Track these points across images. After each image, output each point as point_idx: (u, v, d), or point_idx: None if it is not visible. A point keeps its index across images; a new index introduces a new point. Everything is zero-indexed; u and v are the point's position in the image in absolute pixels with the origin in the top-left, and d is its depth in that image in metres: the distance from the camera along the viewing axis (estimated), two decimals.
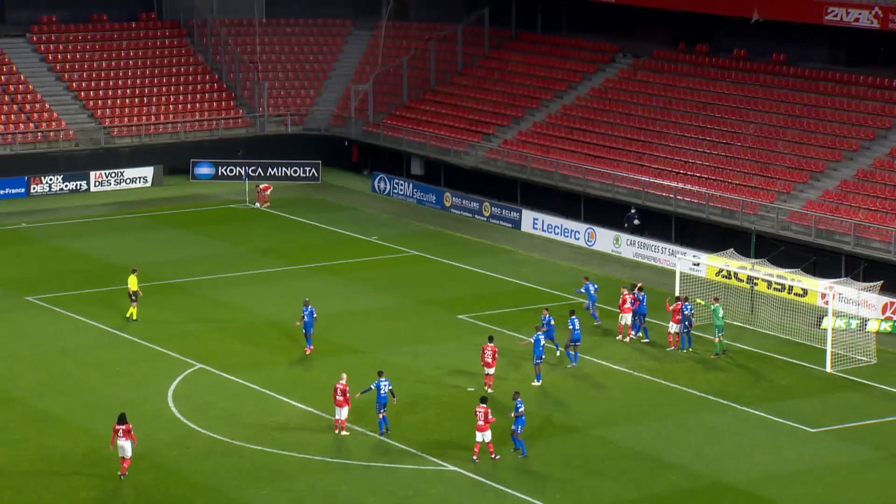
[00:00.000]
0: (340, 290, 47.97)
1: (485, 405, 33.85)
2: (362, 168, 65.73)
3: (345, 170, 65.71)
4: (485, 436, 33.64)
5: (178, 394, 37.85)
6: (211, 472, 33.03)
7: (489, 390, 37.64)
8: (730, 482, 33.09)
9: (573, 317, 40.67)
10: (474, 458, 33.66)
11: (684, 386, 39.56)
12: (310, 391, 37.46)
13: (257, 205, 58.96)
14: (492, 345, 38.00)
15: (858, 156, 53.62)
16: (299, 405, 37.06)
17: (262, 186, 59.67)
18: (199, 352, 41.05)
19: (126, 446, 32.68)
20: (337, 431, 35.10)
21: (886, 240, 48.64)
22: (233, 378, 39.14)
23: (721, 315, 42.01)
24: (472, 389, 38.54)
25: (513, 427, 34.11)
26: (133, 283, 43.51)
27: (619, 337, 42.83)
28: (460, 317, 44.81)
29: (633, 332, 42.85)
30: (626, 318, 42.92)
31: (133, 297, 43.54)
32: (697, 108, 58.75)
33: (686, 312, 42.00)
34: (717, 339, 41.90)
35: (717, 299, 43.05)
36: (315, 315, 40.90)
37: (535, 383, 38.65)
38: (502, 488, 32.40)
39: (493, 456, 33.78)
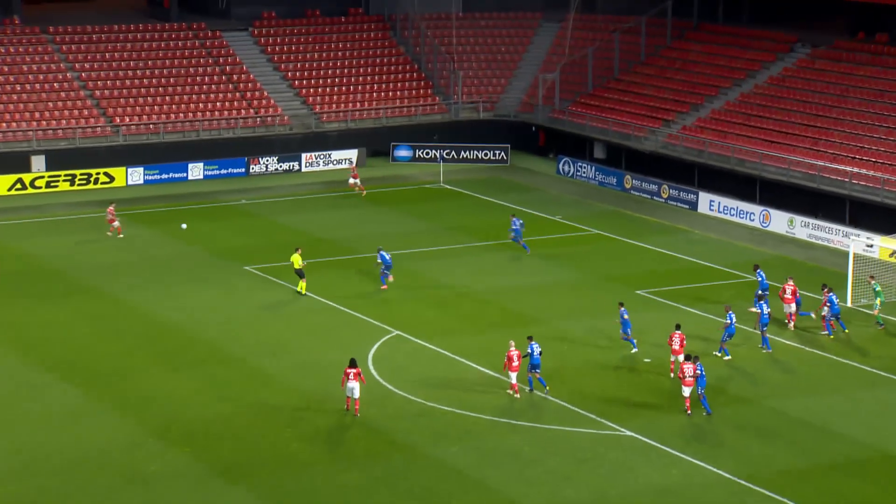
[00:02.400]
0: (526, 266, 48.08)
1: (692, 361, 34.28)
2: (548, 152, 65.59)
3: (532, 153, 65.71)
4: (687, 391, 34.12)
5: (377, 357, 38.58)
6: (406, 431, 33.63)
7: (673, 376, 37.27)
8: (892, 453, 31.98)
9: (760, 301, 39.72)
10: (687, 412, 34.10)
11: (856, 362, 38.48)
12: (496, 357, 37.75)
13: (356, 187, 56.24)
14: (679, 332, 37.39)
15: None
16: (486, 371, 37.39)
17: (353, 175, 56.85)
18: (397, 319, 41.73)
19: (355, 387, 33.86)
20: (511, 392, 35.36)
21: None
22: (426, 344, 39.68)
23: (878, 289, 40.63)
24: (649, 360, 38.33)
25: (699, 391, 34.35)
26: (297, 261, 43.46)
27: (788, 324, 41.12)
28: (638, 292, 44.44)
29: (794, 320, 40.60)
30: (791, 308, 40.93)
31: (300, 274, 43.52)
32: (875, 96, 56.63)
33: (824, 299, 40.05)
34: (875, 312, 40.60)
35: (872, 277, 41.65)
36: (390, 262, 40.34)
37: (765, 349, 38.32)
38: (676, 453, 32.13)
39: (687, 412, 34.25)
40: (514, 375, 35.38)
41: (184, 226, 51.03)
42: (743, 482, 30.85)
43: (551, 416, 34.41)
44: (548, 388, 35.79)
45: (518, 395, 35.30)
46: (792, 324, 40.48)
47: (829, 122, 56.65)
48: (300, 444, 32.95)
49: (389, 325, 41.24)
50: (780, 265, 48.93)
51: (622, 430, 33.45)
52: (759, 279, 43.12)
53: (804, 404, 35.34)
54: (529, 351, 35.83)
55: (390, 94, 67.09)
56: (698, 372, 34.39)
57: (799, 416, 34.46)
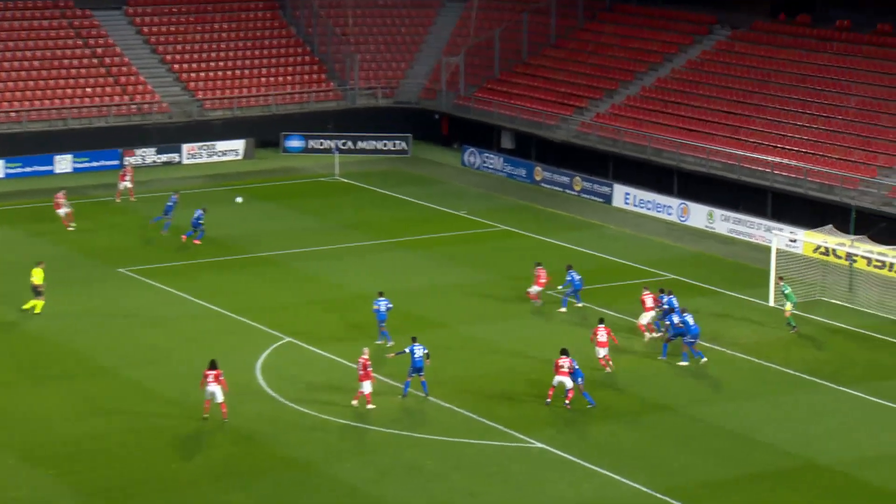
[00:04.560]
0: (428, 265, 47.96)
1: (567, 356, 35.06)
2: (452, 141, 65.62)
3: (435, 143, 65.71)
4: (565, 381, 34.88)
5: (266, 366, 38.14)
6: (297, 446, 33.25)
7: (610, 370, 37.62)
8: (825, 463, 32.55)
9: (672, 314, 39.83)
10: (547, 399, 34.92)
11: (779, 365, 38.99)
12: (396, 366, 37.50)
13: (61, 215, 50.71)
14: (604, 325, 37.64)
15: None
16: (385, 380, 37.13)
17: (124, 179, 54.02)
18: (288, 325, 41.31)
19: (216, 391, 33.61)
20: (355, 403, 35.15)
21: None
22: (320, 352, 39.34)
23: (788, 291, 41.39)
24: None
25: (579, 383, 35.21)
26: (38, 276, 41.52)
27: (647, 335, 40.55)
28: (550, 293, 44.54)
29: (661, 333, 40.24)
30: (647, 318, 40.53)
31: (37, 292, 41.34)
32: (797, 81, 57.60)
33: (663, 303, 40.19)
34: (787, 314, 41.37)
35: (781, 279, 42.43)
36: (390, 307, 39.99)
37: (682, 363, 38.59)
38: (589, 465, 32.20)
39: (566, 404, 34.99)
40: (366, 384, 35.10)
41: (239, 199, 50.56)
42: (661, 496, 30.99)
43: (455, 427, 34.29)
44: (428, 395, 35.66)
45: (356, 403, 35.13)
46: (648, 335, 40.13)
47: (750, 108, 57.47)
48: (181, 462, 32.41)
49: (279, 332, 40.80)
50: (699, 262, 49.49)
51: (532, 441, 33.46)
52: (570, 279, 42.84)
53: (725, 410, 35.67)
54: (408, 352, 35.75)
55: (280, 79, 66.50)
56: (574, 366, 34.94)
57: (720, 424, 34.79)
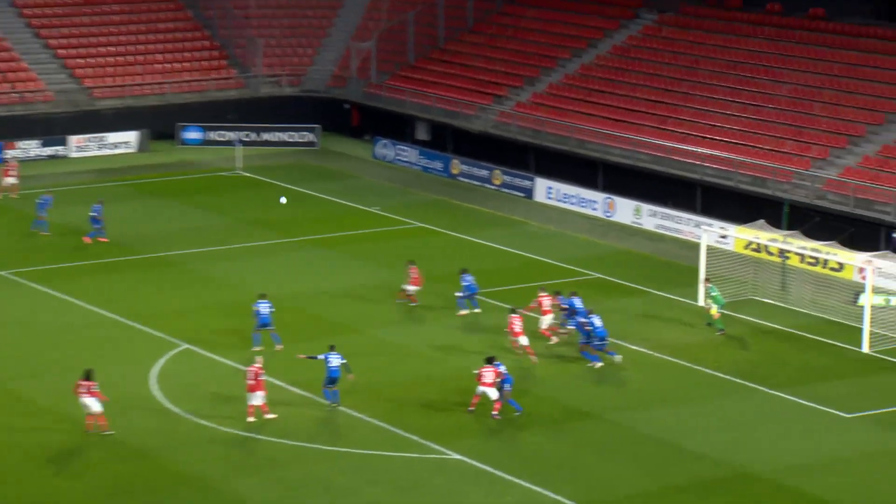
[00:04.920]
0: (337, 265, 47.91)
1: (491, 365, 35.11)
2: (363, 133, 65.59)
3: (344, 135, 65.61)
4: (489, 392, 34.82)
5: (163, 375, 37.87)
6: (196, 461, 33.04)
7: (535, 360, 38.38)
8: (756, 472, 33.04)
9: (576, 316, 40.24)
10: (471, 408, 35.00)
11: (709, 368, 39.50)
12: (303, 373, 37.45)
13: None
14: (518, 315, 38.21)
15: None
16: (292, 388, 37.06)
17: (8, 175, 53.97)
18: (185, 331, 41.06)
19: (90, 403, 33.47)
20: (251, 419, 35.02)
21: None
22: (220, 359, 39.15)
23: (715, 294, 42.00)
24: (478, 372, 38.61)
25: (507, 389, 35.30)
26: None
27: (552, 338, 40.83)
28: (458, 294, 44.70)
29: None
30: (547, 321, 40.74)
31: None
32: (727, 68, 58.41)
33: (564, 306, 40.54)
34: (715, 315, 41.92)
35: (708, 280, 43.07)
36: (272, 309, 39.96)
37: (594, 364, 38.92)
38: (509, 477, 32.38)
39: (493, 414, 34.91)
40: (256, 396, 34.90)
41: (283, 199, 50.32)
42: None
43: (367, 439, 34.30)
44: (339, 405, 35.72)
45: (252, 419, 34.97)
46: (554, 339, 40.47)
47: (678, 97, 58.16)
48: (67, 480, 32.05)
49: (176, 338, 40.54)
50: (626, 260, 49.99)
51: (449, 452, 33.56)
52: (465, 284, 42.84)
53: (652, 417, 36.04)
54: (322, 359, 35.70)
55: (177, 65, 66.01)
56: (503, 373, 35.11)
57: (646, 431, 35.16)
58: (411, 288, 43.47)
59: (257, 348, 39.01)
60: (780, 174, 52.25)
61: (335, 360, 35.71)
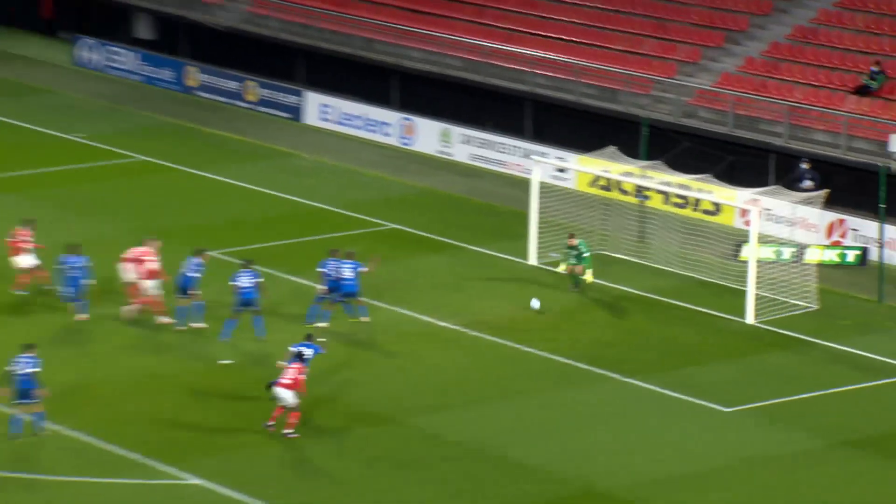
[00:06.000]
0: (28, 215, 46.77)
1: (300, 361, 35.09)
2: (58, 28, 64.80)
3: (32, 31, 65.00)
4: (285, 396, 34.64)
5: None
6: None
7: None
8: (605, 489, 33.37)
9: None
10: (270, 422, 34.79)
11: (543, 350, 39.83)
12: None
13: None
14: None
15: (794, 6, 54.32)
16: None
17: None
18: None
19: None
20: None
21: (834, 129, 49.57)
22: None
23: (587, 255, 42.67)
24: (231, 362, 38.46)
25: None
26: None
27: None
28: (212, 253, 44.21)
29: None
30: (24, 261, 40.82)
31: None
32: None
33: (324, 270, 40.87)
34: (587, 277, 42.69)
35: (573, 235, 43.44)
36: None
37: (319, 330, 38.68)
38: None
39: (286, 432, 34.68)
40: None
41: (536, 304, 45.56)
42: None
43: (74, 462, 33.81)
44: (41, 430, 35.10)
45: None
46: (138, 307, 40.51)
47: None
48: None
49: None
50: (429, 203, 50.23)
51: (184, 476, 33.34)
52: (191, 266, 41.51)
53: (468, 419, 36.17)
54: (11, 368, 34.85)
55: None
56: (307, 368, 35.06)
57: (460, 439, 35.26)
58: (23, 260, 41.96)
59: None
60: (635, 84, 52.84)
61: (24, 367, 34.59)
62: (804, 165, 48.42)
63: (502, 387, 38.01)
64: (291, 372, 34.98)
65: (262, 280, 39.96)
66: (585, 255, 42.82)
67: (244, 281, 39.83)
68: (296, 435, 34.68)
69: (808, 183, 47.77)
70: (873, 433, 36.00)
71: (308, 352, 35.70)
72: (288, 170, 52.65)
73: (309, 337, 36.28)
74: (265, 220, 48.03)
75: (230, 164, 52.64)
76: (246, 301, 39.80)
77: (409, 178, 52.33)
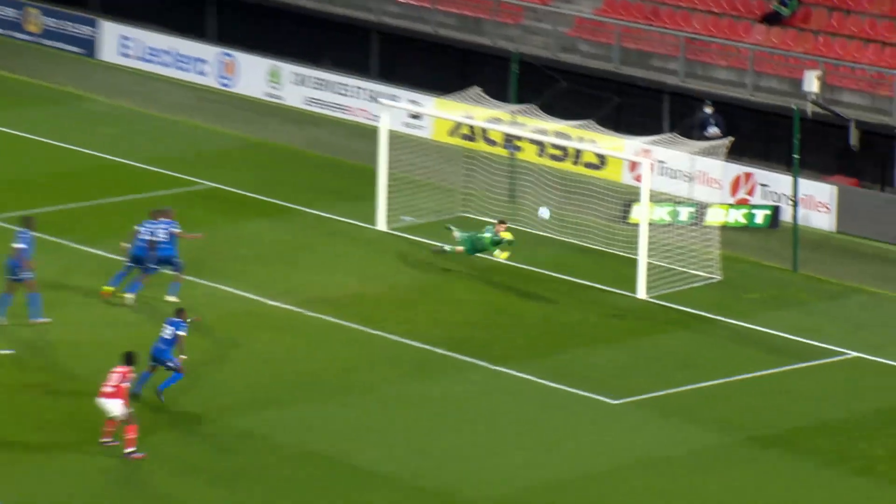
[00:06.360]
0: None
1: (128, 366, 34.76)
2: None
3: None
4: (110, 406, 34.41)
5: None
6: None
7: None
8: (474, 498, 33.41)
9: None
10: (105, 438, 34.49)
11: (397, 334, 39.99)
12: None
13: None
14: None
15: None
16: None
17: None
18: None
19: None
20: None
21: (739, 64, 50.28)
22: None
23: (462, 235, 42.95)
24: (11, 352, 38.33)
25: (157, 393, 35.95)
26: None
27: None
28: None
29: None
30: None
31: None
32: None
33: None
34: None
35: (503, 222, 43.37)
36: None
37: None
38: None
39: (128, 451, 34.41)
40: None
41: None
42: None
43: None
44: None
45: None
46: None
47: None
48: None
49: None
50: (255, 158, 50.36)
51: None
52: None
53: (302, 417, 36.14)
54: None
55: None
56: (133, 376, 34.77)
57: (293, 441, 35.21)
58: None
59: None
60: (503, 12, 53.13)
61: None
62: (707, 110, 49.05)
63: (347, 378, 38.09)
64: (115, 377, 34.70)
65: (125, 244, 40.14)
66: (459, 235, 42.79)
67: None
68: (141, 455, 34.21)
69: (712, 130, 48.41)
70: (785, 428, 36.39)
71: (180, 332, 35.82)
72: (79, 116, 52.58)
73: (179, 312, 36.19)
74: (51, 178, 47.76)
75: (7, 110, 52.31)
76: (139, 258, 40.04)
77: (231, 127, 52.36)
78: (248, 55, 54.96)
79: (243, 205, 46.68)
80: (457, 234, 43.01)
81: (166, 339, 35.99)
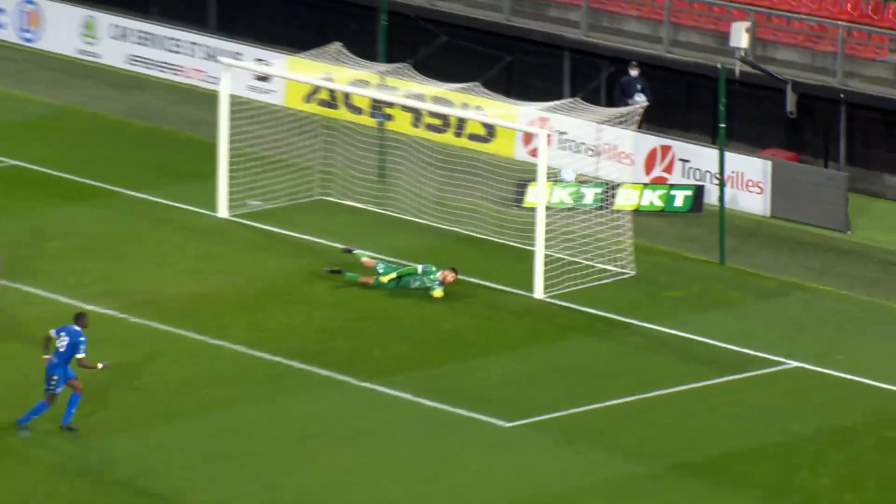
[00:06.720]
0: None
1: None
2: None
3: None
4: None
5: None
6: None
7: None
8: None
9: None
10: None
11: (242, 345, 40.34)
12: None
13: None
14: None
15: None
16: None
17: None
18: None
19: None
20: None
21: (653, 15, 50.91)
22: None
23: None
24: None
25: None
26: None
27: None
28: None
29: None
30: None
31: None
32: None
33: None
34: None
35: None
36: None
37: None
38: None
39: None
40: None
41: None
42: None
43: None
44: None
45: None
46: None
47: None
48: None
49: None
50: (62, 129, 50.56)
51: None
52: None
53: (124, 445, 36.06)
54: None
55: None
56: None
57: (113, 475, 34.99)
58: None
59: None
60: None
61: None
62: (634, 72, 49.45)
63: (180, 397, 38.27)
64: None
65: None
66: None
67: None
68: None
69: (639, 97, 48.77)
70: (712, 454, 36.76)
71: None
72: None
73: (79, 318, 36.22)
74: None
75: None
76: None
77: (35, 92, 52.56)
78: (56, 3, 54.97)
79: (52, 186, 46.76)
80: (379, 266, 42.86)
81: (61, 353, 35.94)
